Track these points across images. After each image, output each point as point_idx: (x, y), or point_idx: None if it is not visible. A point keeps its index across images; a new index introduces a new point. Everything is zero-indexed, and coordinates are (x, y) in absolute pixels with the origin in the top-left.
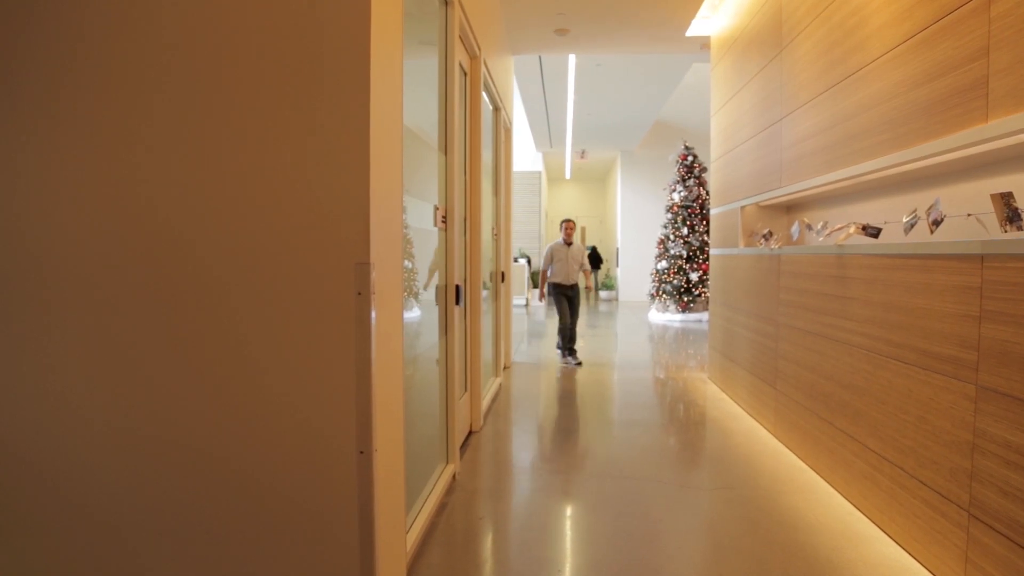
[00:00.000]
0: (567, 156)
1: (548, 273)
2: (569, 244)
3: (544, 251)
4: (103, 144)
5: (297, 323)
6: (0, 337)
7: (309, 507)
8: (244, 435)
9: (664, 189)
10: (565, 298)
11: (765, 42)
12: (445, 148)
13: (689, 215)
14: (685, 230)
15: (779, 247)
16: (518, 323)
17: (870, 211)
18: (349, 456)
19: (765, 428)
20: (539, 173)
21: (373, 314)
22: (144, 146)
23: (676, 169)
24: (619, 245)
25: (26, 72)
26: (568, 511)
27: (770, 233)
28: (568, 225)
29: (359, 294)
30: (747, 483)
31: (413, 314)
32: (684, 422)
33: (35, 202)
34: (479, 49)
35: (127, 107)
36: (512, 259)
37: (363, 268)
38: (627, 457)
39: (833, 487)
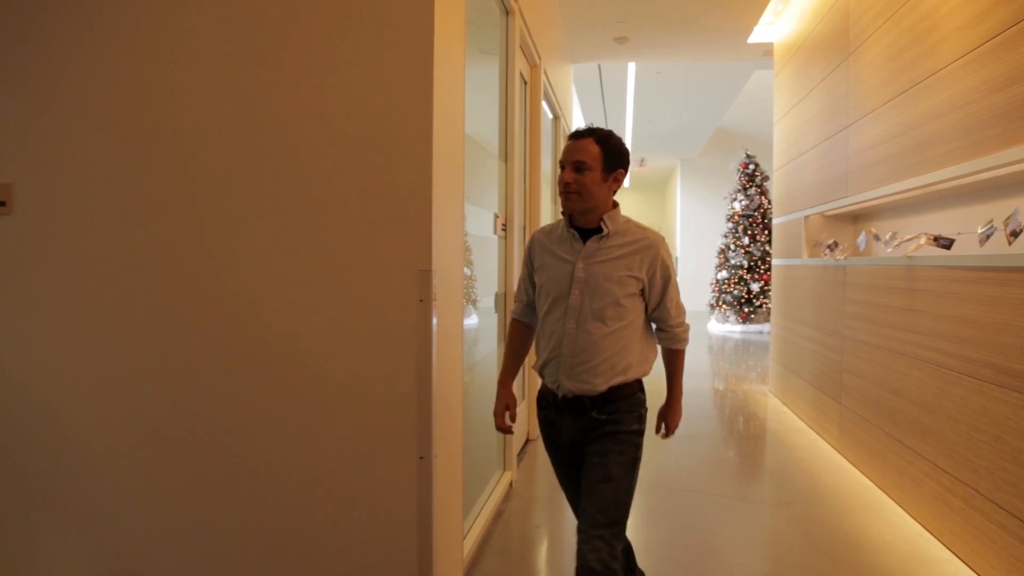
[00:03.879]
0: None
1: (518, 333)
2: (600, 233)
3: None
4: (161, 149)
5: (359, 329)
6: (49, 333)
7: (369, 511)
8: (306, 439)
9: (724, 198)
10: (561, 454)
11: (831, 48)
12: (505, 156)
13: (750, 224)
14: (746, 239)
15: (845, 258)
16: None
17: (941, 221)
18: (409, 461)
19: (828, 443)
20: None
21: (434, 320)
22: (215, 159)
23: (737, 178)
24: (678, 254)
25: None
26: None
27: (835, 243)
28: (575, 154)
29: (421, 301)
30: (809, 499)
31: (472, 321)
32: (744, 435)
33: (91, 197)
34: (539, 58)
35: (188, 121)
36: None
37: (425, 275)
38: (685, 469)
39: (901, 507)
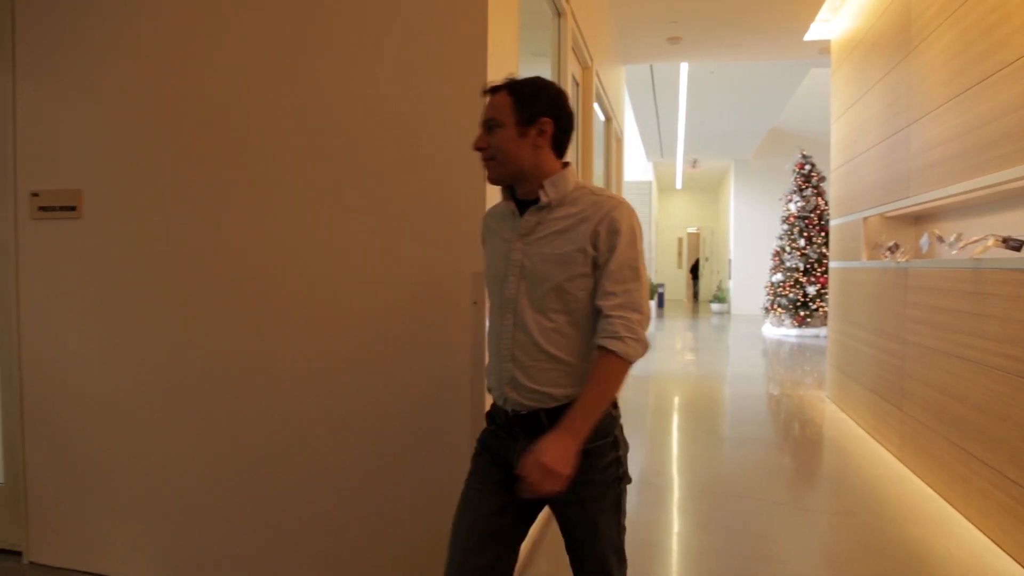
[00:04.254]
0: (678, 165)
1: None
2: (538, 203)
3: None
4: (221, 153)
5: (414, 329)
6: (116, 329)
7: (423, 509)
8: (362, 437)
9: (779, 199)
10: (500, 476)
11: (891, 44)
12: None
13: (806, 226)
14: (802, 241)
15: (906, 260)
16: None
17: (1010, 222)
18: (463, 462)
19: (889, 452)
20: (650, 183)
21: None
22: (271, 164)
23: (793, 178)
24: (731, 257)
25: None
26: (677, 527)
27: (896, 246)
28: (485, 112)
29: (475, 303)
30: (870, 509)
31: None
32: (800, 441)
33: (152, 200)
34: (591, 60)
35: (247, 125)
36: None
37: (478, 277)
38: (739, 475)
39: (968, 519)
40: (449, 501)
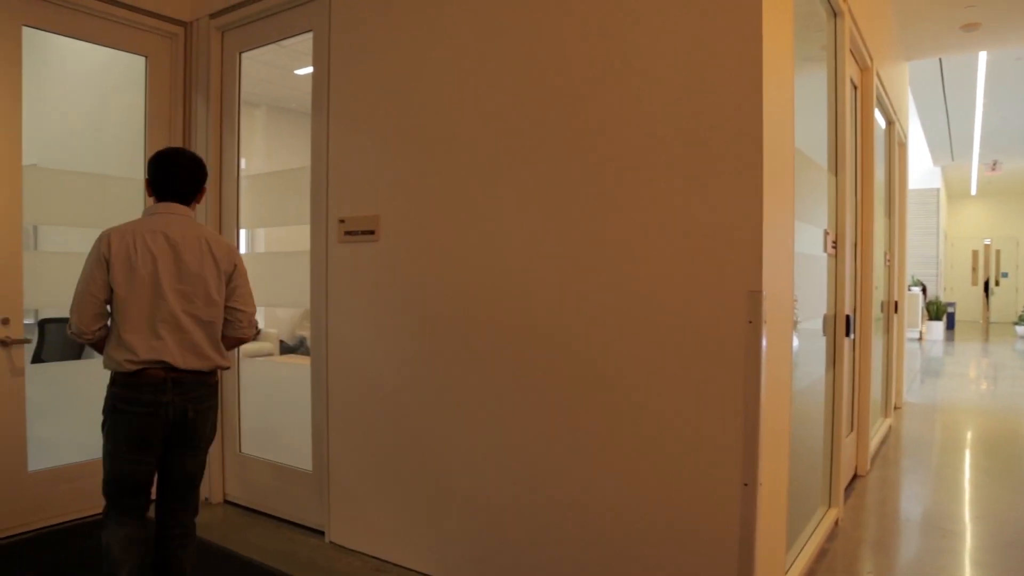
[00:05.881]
0: (973, 169)
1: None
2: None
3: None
4: (495, 179)
5: (684, 349)
6: (405, 338)
7: (688, 534)
8: (628, 457)
9: None
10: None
11: None
12: (835, 169)
13: None
14: None
15: None
16: (911, 358)
17: None
18: (732, 487)
19: None
20: (937, 190)
21: (764, 343)
22: (542, 181)
23: None
24: None
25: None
26: None
27: None
28: None
29: (750, 322)
30: None
31: (795, 344)
32: None
33: (432, 222)
34: (871, 60)
35: (518, 149)
36: (906, 287)
37: (755, 296)
38: None
39: None
40: (718, 528)
